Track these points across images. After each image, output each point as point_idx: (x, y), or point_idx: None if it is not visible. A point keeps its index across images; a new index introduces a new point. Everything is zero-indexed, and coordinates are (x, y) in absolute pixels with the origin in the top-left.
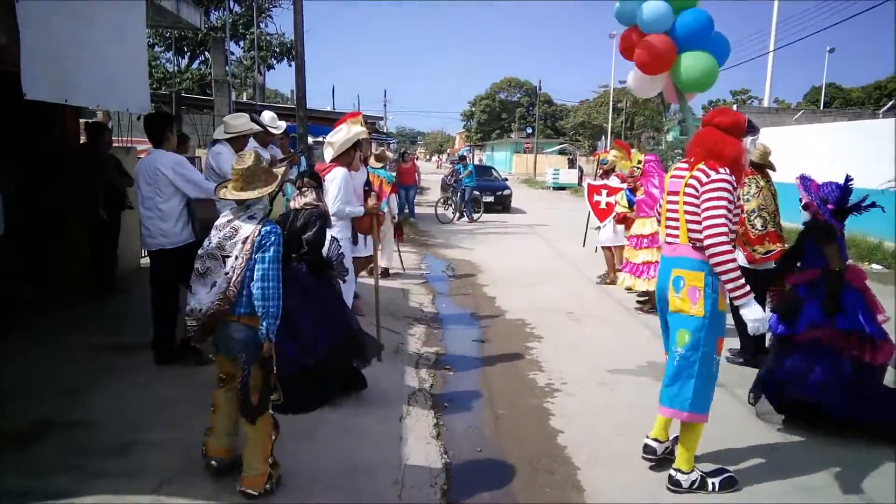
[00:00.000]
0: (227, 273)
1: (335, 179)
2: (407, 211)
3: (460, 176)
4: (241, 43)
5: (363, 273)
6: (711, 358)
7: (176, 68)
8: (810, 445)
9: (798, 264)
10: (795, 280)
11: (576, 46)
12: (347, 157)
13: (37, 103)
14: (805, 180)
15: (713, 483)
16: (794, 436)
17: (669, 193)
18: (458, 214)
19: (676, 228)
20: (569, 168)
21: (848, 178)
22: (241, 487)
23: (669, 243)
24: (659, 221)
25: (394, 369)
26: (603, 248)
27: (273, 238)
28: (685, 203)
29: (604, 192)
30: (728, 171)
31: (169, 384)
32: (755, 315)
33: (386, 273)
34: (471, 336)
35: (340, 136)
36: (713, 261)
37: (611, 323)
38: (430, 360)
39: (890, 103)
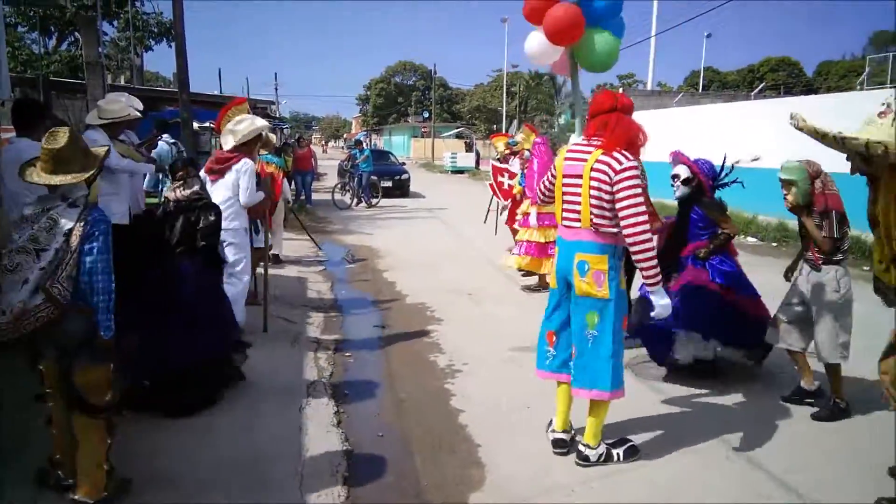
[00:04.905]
0: (42, 268)
1: (247, 171)
2: (304, 197)
3: (357, 161)
4: (116, 22)
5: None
6: (620, 334)
7: (43, 50)
8: (700, 409)
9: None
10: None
11: (469, 30)
12: (249, 147)
13: None
14: (678, 156)
15: (618, 453)
16: (681, 400)
17: (567, 176)
18: (356, 200)
19: (577, 212)
20: (466, 152)
21: (724, 157)
22: (74, 496)
23: (569, 227)
24: (540, 203)
25: (292, 359)
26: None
27: (102, 227)
28: (592, 188)
29: (506, 174)
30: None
31: None
32: (663, 301)
33: (277, 259)
34: (371, 321)
35: (245, 125)
36: (636, 248)
37: (510, 302)
38: (329, 348)
39: (761, 85)
